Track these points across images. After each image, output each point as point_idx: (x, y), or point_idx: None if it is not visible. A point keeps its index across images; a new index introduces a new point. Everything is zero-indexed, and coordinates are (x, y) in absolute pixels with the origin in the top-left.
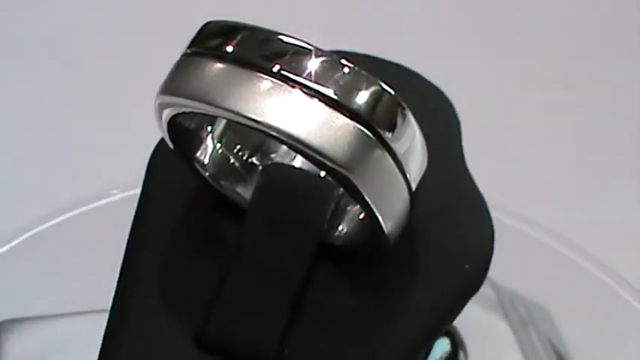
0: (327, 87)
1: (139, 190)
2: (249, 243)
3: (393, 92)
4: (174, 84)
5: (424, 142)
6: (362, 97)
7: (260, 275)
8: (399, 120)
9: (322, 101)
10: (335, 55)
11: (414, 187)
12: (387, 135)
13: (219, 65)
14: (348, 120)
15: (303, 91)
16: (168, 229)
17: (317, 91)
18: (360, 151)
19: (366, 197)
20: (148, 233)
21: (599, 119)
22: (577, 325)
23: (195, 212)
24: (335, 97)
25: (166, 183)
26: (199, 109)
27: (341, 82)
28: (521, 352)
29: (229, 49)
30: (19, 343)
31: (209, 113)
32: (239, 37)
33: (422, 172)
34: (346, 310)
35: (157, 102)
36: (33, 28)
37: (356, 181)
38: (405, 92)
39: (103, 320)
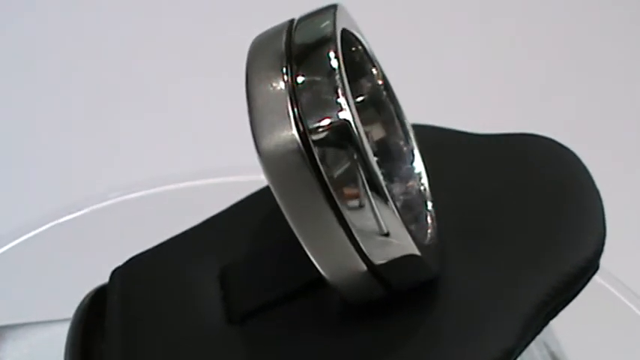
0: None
1: (139, 194)
2: None
3: (377, 175)
4: (259, 51)
5: (404, 231)
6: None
7: (287, 256)
8: (366, 194)
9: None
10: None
11: (376, 262)
12: (340, 194)
13: (282, 86)
14: (301, 146)
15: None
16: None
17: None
18: (286, 156)
19: (282, 208)
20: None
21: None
22: (573, 327)
23: None
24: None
25: None
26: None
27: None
28: None
29: (300, 79)
30: (12, 349)
31: None
32: (315, 72)
33: (393, 255)
34: (327, 326)
35: None
36: (34, 33)
37: (265, 171)
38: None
39: None
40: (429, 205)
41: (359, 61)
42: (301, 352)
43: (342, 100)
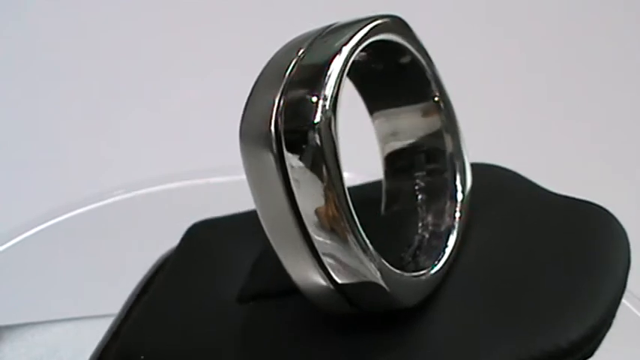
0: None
1: (140, 193)
2: None
3: (343, 190)
4: (277, 54)
5: (361, 254)
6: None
7: None
8: (329, 208)
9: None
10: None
11: (338, 280)
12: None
13: (278, 87)
14: (274, 145)
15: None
16: None
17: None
18: (258, 150)
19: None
20: None
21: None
22: None
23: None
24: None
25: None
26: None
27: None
28: None
29: (297, 85)
30: (11, 350)
31: None
32: (312, 82)
33: (352, 278)
34: (316, 326)
35: None
36: (34, 33)
37: (241, 153)
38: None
39: (98, 326)
40: (451, 240)
41: (425, 67)
42: (284, 344)
43: (320, 105)
